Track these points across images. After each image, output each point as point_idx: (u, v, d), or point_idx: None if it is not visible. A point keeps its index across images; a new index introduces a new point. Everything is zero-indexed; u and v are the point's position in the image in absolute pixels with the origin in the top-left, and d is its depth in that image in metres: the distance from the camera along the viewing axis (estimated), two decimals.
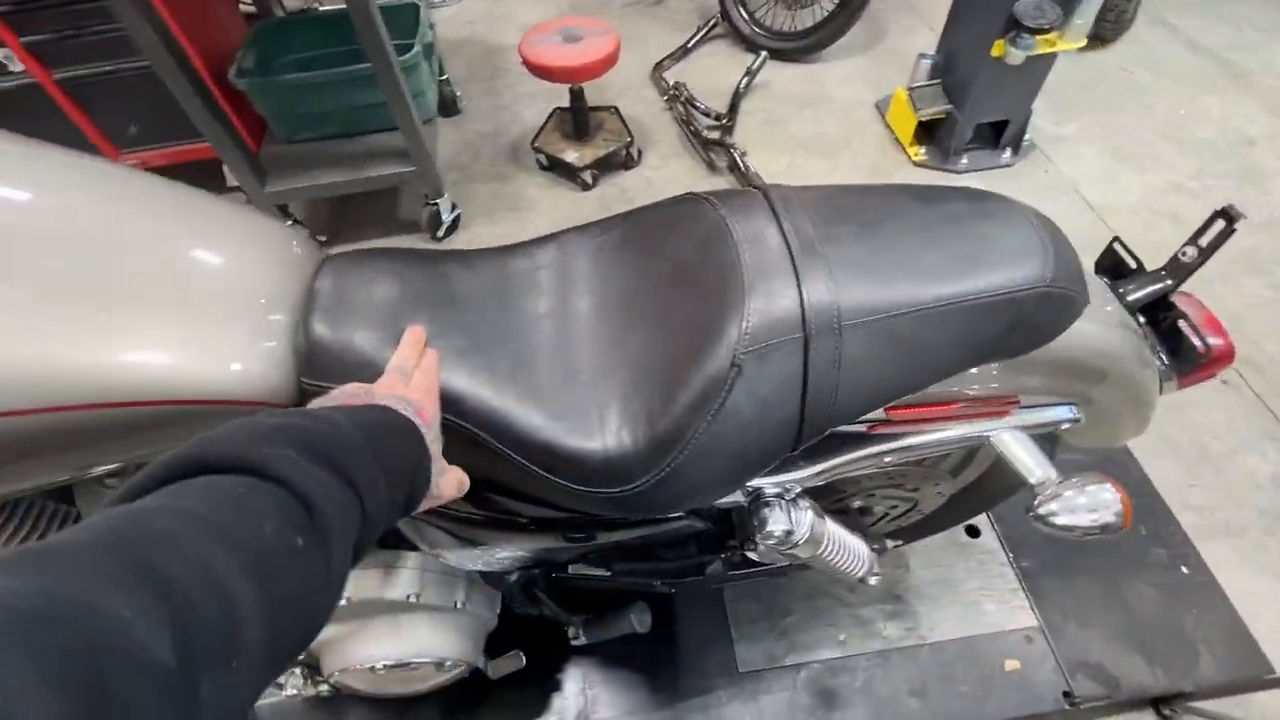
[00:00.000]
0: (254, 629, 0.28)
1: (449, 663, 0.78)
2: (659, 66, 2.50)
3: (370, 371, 0.51)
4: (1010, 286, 0.52)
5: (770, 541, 0.61)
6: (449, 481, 0.48)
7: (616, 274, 0.60)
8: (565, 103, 2.09)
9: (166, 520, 0.28)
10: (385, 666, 0.74)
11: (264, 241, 0.57)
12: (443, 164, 2.24)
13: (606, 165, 2.15)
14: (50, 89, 1.78)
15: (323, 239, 1.98)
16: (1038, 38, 1.73)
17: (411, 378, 0.49)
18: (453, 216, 2.00)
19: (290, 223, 1.87)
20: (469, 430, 0.53)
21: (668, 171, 2.17)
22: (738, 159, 2.06)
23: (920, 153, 2.13)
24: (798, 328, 0.50)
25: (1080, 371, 0.65)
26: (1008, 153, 2.10)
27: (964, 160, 2.09)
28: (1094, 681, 1.14)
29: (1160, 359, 0.70)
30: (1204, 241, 0.64)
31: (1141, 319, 0.71)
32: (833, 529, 0.67)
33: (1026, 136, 2.12)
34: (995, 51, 1.81)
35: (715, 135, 2.16)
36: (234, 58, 1.78)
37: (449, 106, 2.41)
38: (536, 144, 2.15)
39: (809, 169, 2.14)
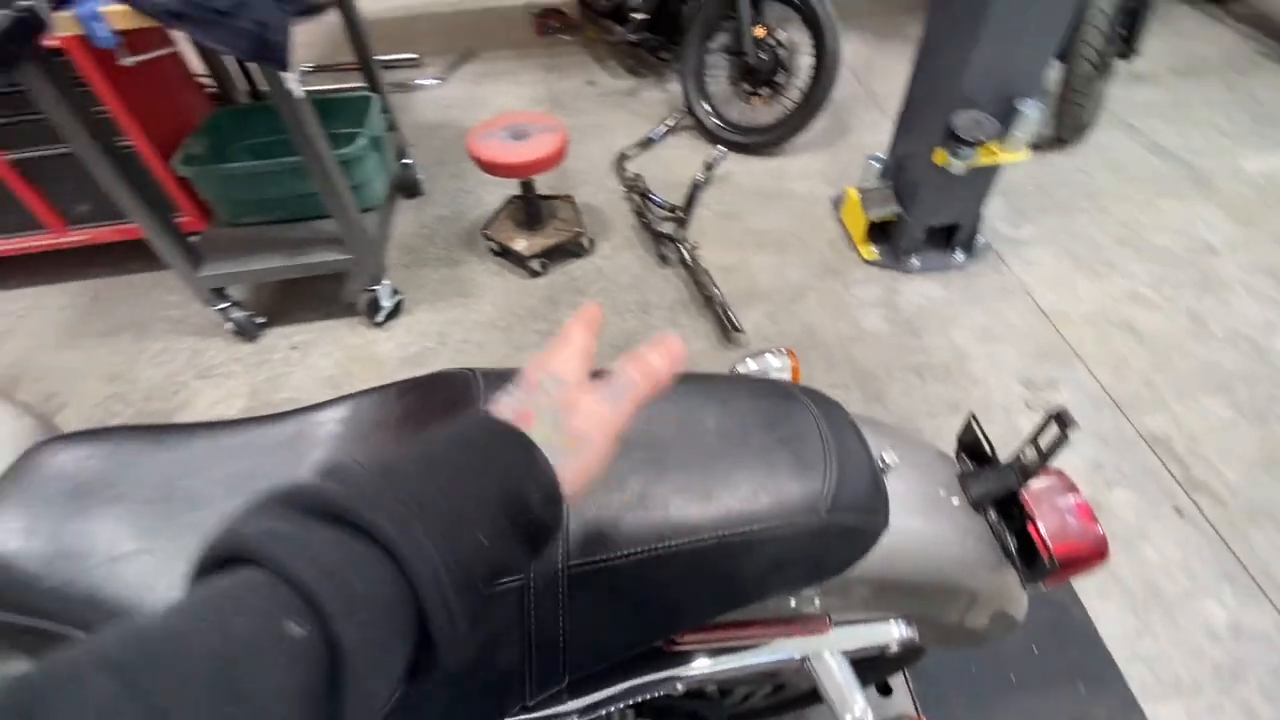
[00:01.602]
0: None
1: None
2: (622, 156, 2.54)
3: (39, 596, 0.45)
4: (769, 520, 0.45)
5: None
6: (578, 469, 0.35)
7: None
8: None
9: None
10: None
11: None
12: (396, 246, 2.25)
13: (557, 254, 2.14)
14: (2, 170, 1.81)
15: (261, 320, 1.96)
16: (977, 149, 1.73)
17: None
18: (394, 302, 1.97)
19: (225, 305, 1.85)
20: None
21: (618, 262, 2.15)
22: (685, 254, 2.04)
23: (873, 251, 2.11)
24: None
25: (906, 588, 0.57)
26: (960, 254, 2.07)
27: (915, 261, 2.06)
28: None
29: (1014, 562, 0.62)
30: (1042, 443, 0.58)
31: (994, 515, 0.63)
32: None
33: (980, 238, 2.10)
34: (937, 160, 1.80)
35: (668, 229, 2.16)
36: (183, 143, 1.81)
37: (412, 189, 2.44)
38: (487, 231, 2.15)
39: (758, 264, 2.12)
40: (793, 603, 0.59)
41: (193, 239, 1.80)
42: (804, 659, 0.57)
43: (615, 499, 0.45)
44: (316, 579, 0.25)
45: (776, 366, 0.76)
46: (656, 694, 0.57)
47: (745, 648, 0.56)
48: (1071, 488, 0.66)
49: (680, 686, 0.56)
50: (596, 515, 0.45)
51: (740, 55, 2.41)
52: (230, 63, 2.20)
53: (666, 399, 0.52)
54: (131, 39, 1.30)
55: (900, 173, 2.05)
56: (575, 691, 0.54)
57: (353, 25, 2.05)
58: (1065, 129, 2.45)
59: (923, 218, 1.98)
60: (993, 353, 1.83)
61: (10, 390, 1.84)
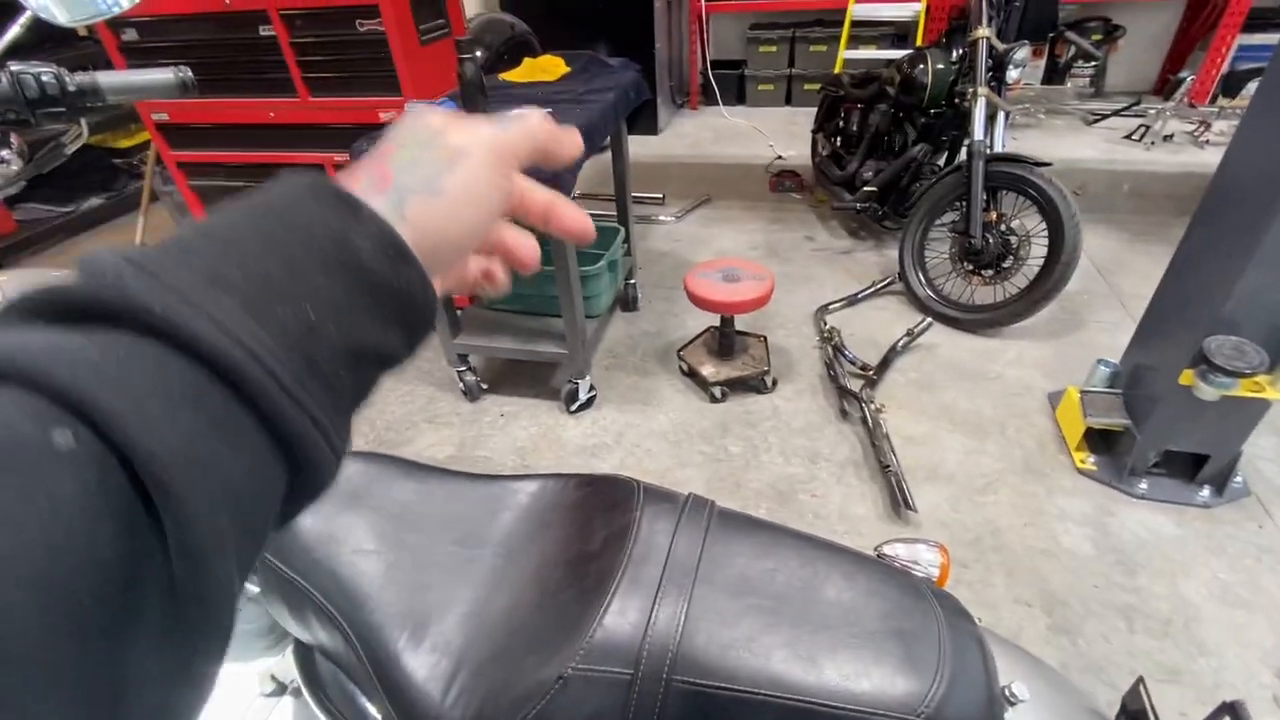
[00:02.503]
0: None
1: None
2: (824, 309, 2.64)
3: (305, 560, 0.63)
4: (864, 705, 0.47)
5: None
6: (456, 184, 0.29)
7: (549, 538, 0.66)
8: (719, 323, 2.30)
9: None
10: None
11: None
12: (603, 349, 2.56)
13: (739, 386, 2.26)
14: None
15: (485, 386, 2.34)
16: (1238, 379, 1.52)
17: None
18: (588, 396, 2.23)
19: (463, 369, 2.25)
20: (353, 642, 0.61)
21: (797, 405, 2.20)
22: (869, 413, 2.03)
23: (1088, 461, 1.89)
24: (631, 665, 0.51)
25: None
26: (1207, 491, 1.76)
27: (1143, 484, 1.79)
28: None
29: None
30: None
31: None
32: None
33: (1238, 478, 1.77)
34: (1183, 380, 1.61)
35: (855, 385, 2.17)
36: None
37: (629, 304, 2.79)
38: (682, 352, 2.35)
39: (949, 442, 2.01)
40: None
41: (458, 312, 2.26)
42: None
43: (726, 634, 0.51)
44: (77, 377, 0.18)
45: (927, 559, 0.76)
46: None
47: None
48: None
49: None
50: (706, 641, 0.51)
51: (967, 236, 2.43)
52: None
53: (794, 557, 0.57)
54: None
55: (1135, 384, 1.85)
56: None
57: (618, 168, 2.51)
58: None
59: (1158, 439, 1.74)
60: (1236, 621, 1.49)
61: None
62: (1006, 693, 0.54)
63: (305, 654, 0.74)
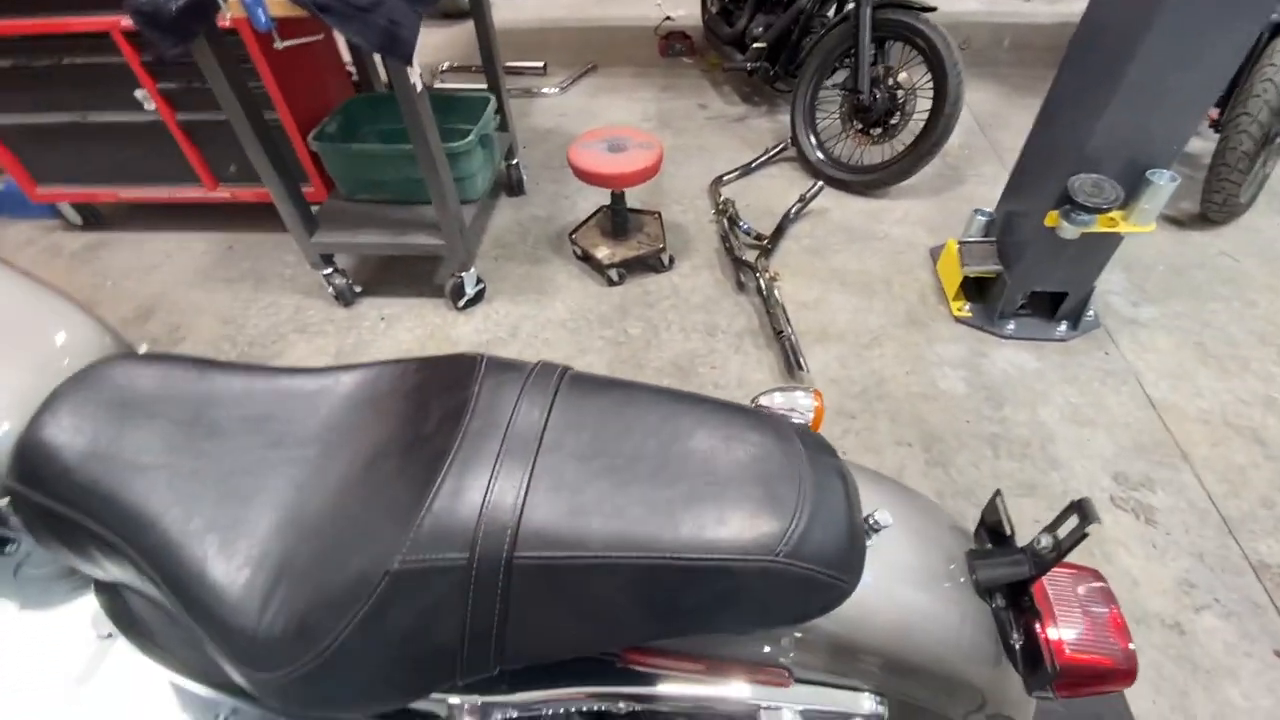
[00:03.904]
0: None
1: None
2: (718, 180, 2.54)
3: (68, 487, 0.51)
4: (722, 552, 0.43)
5: None
6: None
7: (381, 426, 0.57)
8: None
9: None
10: None
11: (39, 325, 0.59)
12: (490, 239, 2.38)
13: (636, 266, 2.18)
14: (172, 127, 2.08)
15: (358, 289, 2.12)
16: (1095, 215, 1.59)
17: None
18: (476, 290, 2.08)
19: (330, 270, 2.02)
20: (146, 571, 0.51)
21: (694, 282, 2.16)
22: (763, 283, 2.01)
23: (964, 308, 1.99)
24: (466, 548, 0.44)
25: (883, 661, 0.53)
26: (1064, 326, 1.91)
27: (1011, 325, 1.92)
28: None
29: (1014, 661, 0.56)
30: (1061, 533, 0.52)
31: (1001, 602, 0.58)
32: None
33: (1090, 312, 1.93)
34: (1048, 222, 1.68)
35: (751, 256, 2.14)
36: (321, 121, 2.01)
37: (515, 188, 2.57)
38: (574, 236, 2.22)
39: (839, 304, 2.05)
40: (766, 649, 0.56)
41: (314, 208, 1.99)
42: (758, 708, 0.54)
43: (573, 500, 0.46)
44: None
45: (803, 405, 0.74)
46: (600, 708, 0.56)
47: (700, 681, 0.54)
48: (1108, 595, 0.59)
49: (623, 706, 0.55)
50: (550, 512, 0.45)
51: (855, 93, 2.36)
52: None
53: (652, 412, 0.52)
54: (286, 25, 1.46)
55: (1007, 230, 1.92)
56: (515, 685, 0.55)
57: (482, 31, 2.20)
58: (1213, 207, 2.21)
59: (1025, 281, 1.84)
60: (1082, 437, 1.66)
61: (144, 317, 2.10)
62: (870, 521, 0.53)
63: (109, 593, 0.63)
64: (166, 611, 0.60)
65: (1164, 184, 1.54)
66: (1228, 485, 1.56)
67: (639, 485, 0.46)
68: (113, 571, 0.56)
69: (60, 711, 0.77)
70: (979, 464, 1.62)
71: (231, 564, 0.50)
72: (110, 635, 0.76)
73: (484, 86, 2.38)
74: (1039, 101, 1.81)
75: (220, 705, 0.76)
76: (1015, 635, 0.56)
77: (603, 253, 2.13)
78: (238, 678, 0.50)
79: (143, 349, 0.69)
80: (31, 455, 0.53)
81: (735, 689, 0.54)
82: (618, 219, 2.14)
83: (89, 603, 0.75)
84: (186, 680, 0.61)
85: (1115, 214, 1.62)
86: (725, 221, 2.28)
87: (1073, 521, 0.50)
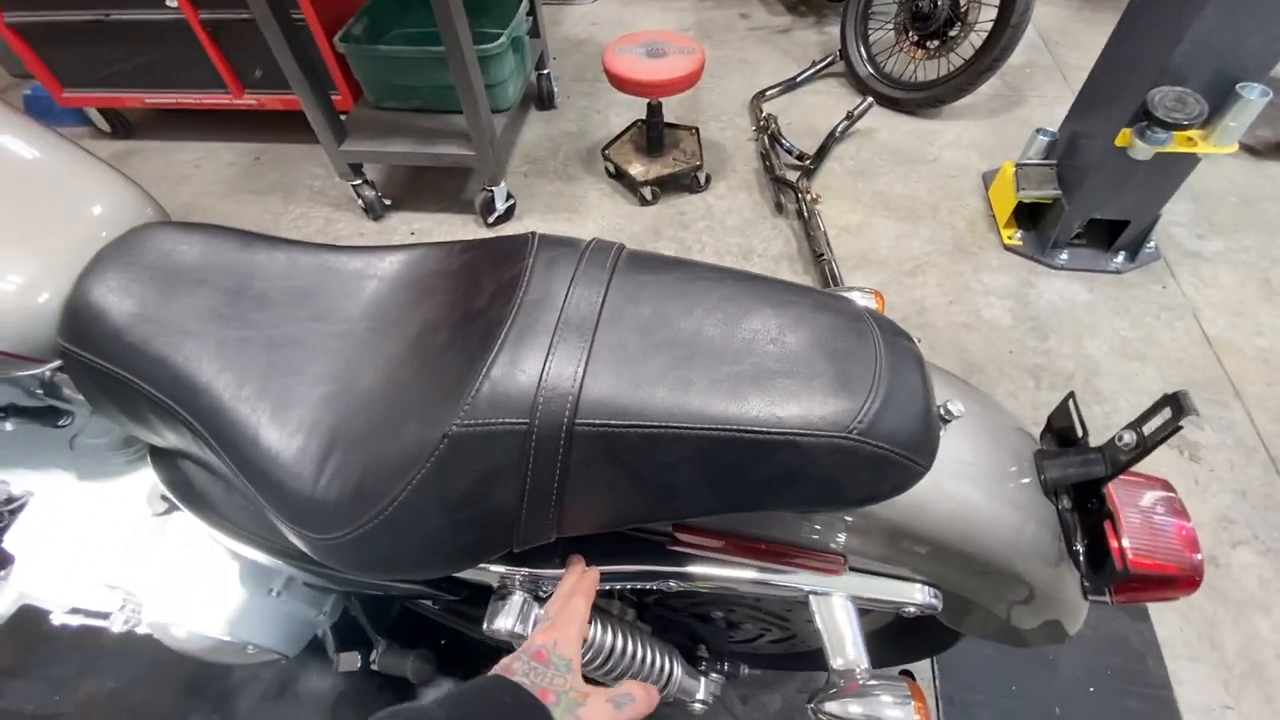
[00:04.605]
0: None
1: (252, 648, 0.78)
2: (760, 95, 2.41)
3: (120, 348, 0.50)
4: (792, 427, 0.41)
5: (499, 636, 0.54)
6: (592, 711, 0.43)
7: (430, 303, 0.55)
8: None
9: None
10: (190, 634, 0.75)
11: (81, 190, 0.57)
12: (520, 154, 2.30)
13: (671, 185, 2.10)
14: (195, 26, 2.01)
15: (388, 202, 2.09)
16: (1173, 133, 1.47)
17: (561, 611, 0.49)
18: (506, 206, 2.03)
19: (359, 182, 1.98)
20: (201, 433, 0.51)
21: (731, 203, 2.08)
22: (804, 205, 1.93)
23: (1015, 236, 1.90)
24: (526, 414, 0.43)
25: (940, 553, 0.52)
26: (1121, 257, 1.81)
27: (1064, 255, 1.83)
28: None
29: (1076, 562, 0.54)
30: (1147, 429, 0.49)
31: (1067, 504, 0.56)
32: (613, 642, 0.59)
33: (1151, 244, 1.82)
34: (1119, 141, 1.56)
35: (792, 176, 2.05)
36: (347, 22, 1.92)
37: (545, 101, 2.47)
38: (607, 151, 2.13)
39: (882, 230, 1.97)
40: (818, 535, 0.55)
41: (342, 116, 1.93)
42: (808, 594, 0.54)
43: (635, 372, 0.44)
44: None
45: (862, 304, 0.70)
46: (651, 586, 0.56)
47: (752, 565, 0.53)
48: (1178, 507, 0.57)
49: (674, 585, 0.55)
50: (611, 382, 0.43)
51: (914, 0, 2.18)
52: None
53: (714, 291, 0.49)
54: None
55: (1070, 153, 1.80)
56: (566, 560, 0.55)
57: None
58: None
59: (1085, 207, 1.74)
60: (1130, 372, 1.61)
61: None
62: (942, 410, 0.51)
63: (165, 460, 0.64)
64: (223, 478, 0.61)
65: (1255, 99, 1.41)
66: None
67: (703, 360, 0.44)
68: (167, 436, 0.56)
69: (119, 581, 0.81)
70: (1019, 394, 1.58)
71: (284, 430, 0.50)
72: (167, 511, 0.79)
73: None
74: (1110, 16, 1.65)
75: (277, 574, 0.79)
76: (1080, 537, 0.54)
77: (636, 169, 2.05)
78: (295, 540, 0.50)
79: None
80: (81, 315, 0.52)
81: (788, 574, 0.53)
82: (653, 134, 2.04)
83: (146, 476, 0.77)
84: (245, 547, 0.63)
85: (1195, 133, 1.49)
86: (766, 139, 2.17)
87: (1164, 415, 0.47)
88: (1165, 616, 1.25)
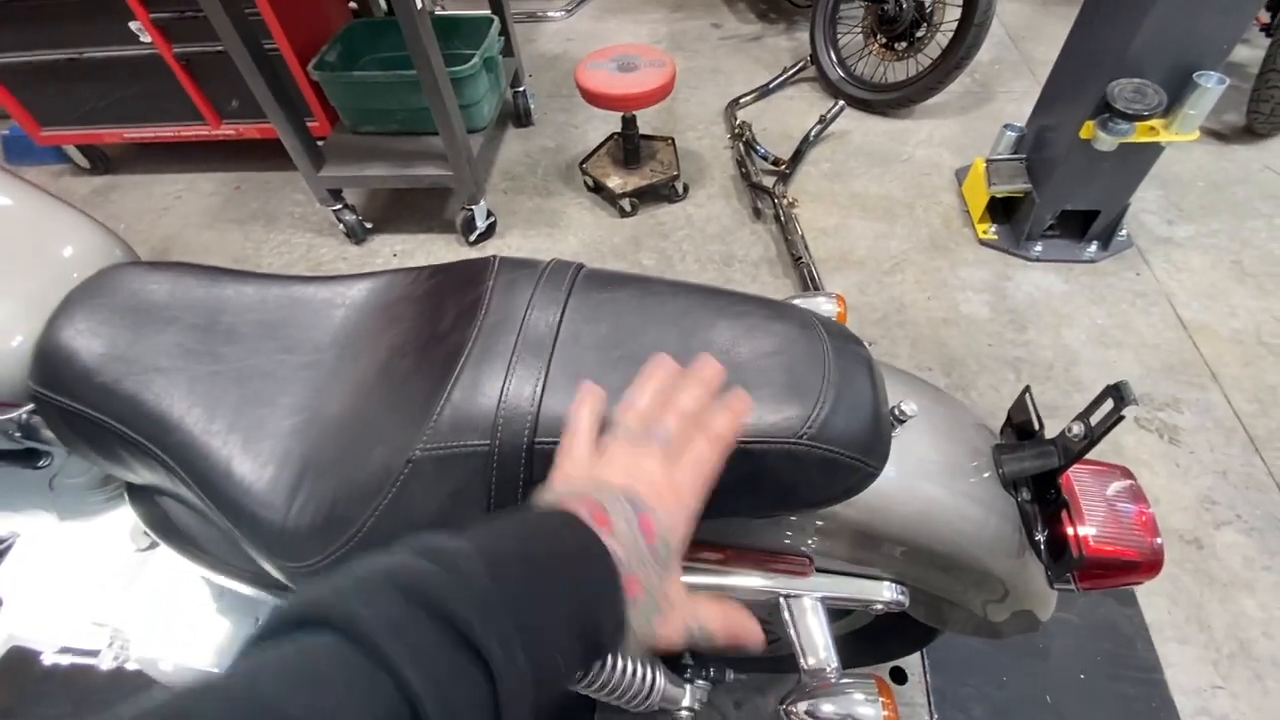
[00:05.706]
0: None
1: None
2: (734, 103, 2.44)
3: (91, 389, 0.51)
4: (744, 434, 0.43)
5: None
6: (672, 624, 0.35)
7: (397, 329, 0.57)
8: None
9: (218, 703, 0.23)
10: (178, 667, 0.75)
11: (50, 234, 0.58)
12: (499, 171, 2.32)
13: (649, 195, 2.12)
14: (169, 60, 2.02)
15: (369, 225, 2.10)
16: (1135, 124, 1.50)
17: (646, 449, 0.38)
18: (487, 224, 2.04)
19: (339, 207, 1.99)
20: (174, 469, 0.52)
21: (709, 210, 2.10)
22: (781, 209, 1.96)
23: (990, 231, 1.92)
24: (487, 435, 0.44)
25: (905, 551, 0.53)
26: (1094, 246, 1.84)
27: (1038, 247, 1.86)
28: None
29: (1037, 551, 0.56)
30: (1094, 419, 0.51)
31: (1027, 495, 0.57)
32: None
33: (1122, 232, 1.85)
34: (1084, 134, 1.59)
35: (769, 182, 2.07)
36: (320, 50, 1.94)
37: (523, 118, 2.49)
38: (584, 165, 2.16)
39: (859, 230, 1.99)
40: (787, 539, 0.57)
41: (319, 142, 1.94)
42: (778, 596, 0.55)
43: (613, 375, 0.45)
44: (426, 691, 0.24)
45: (826, 310, 0.72)
46: None
47: (721, 570, 0.54)
48: (1137, 493, 0.58)
49: None
50: (569, 399, 0.44)
51: (879, 2, 2.22)
52: None
53: (670, 305, 0.50)
54: None
55: (1038, 146, 1.83)
56: None
57: None
58: (1260, 118, 2.08)
59: (1055, 199, 1.77)
60: (1108, 359, 1.63)
61: (160, 260, 2.10)
62: (895, 411, 0.52)
63: (143, 496, 0.65)
64: (199, 512, 0.61)
65: (1212, 86, 1.44)
66: (1257, 405, 1.53)
67: None
68: (142, 473, 0.57)
69: (106, 618, 0.81)
70: (1000, 387, 1.60)
71: (256, 462, 0.51)
72: (149, 546, 0.79)
73: (486, 11, 2.27)
74: (1075, 10, 1.68)
75: (260, 603, 0.80)
76: (1040, 528, 0.56)
77: (614, 182, 2.07)
78: (271, 569, 0.51)
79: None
80: (51, 358, 0.53)
81: (756, 577, 0.54)
82: (629, 146, 2.07)
83: (127, 513, 0.78)
84: (226, 579, 0.63)
85: (1156, 122, 1.53)
86: (741, 146, 2.20)
87: (1107, 406, 0.49)
88: (1153, 600, 1.26)
